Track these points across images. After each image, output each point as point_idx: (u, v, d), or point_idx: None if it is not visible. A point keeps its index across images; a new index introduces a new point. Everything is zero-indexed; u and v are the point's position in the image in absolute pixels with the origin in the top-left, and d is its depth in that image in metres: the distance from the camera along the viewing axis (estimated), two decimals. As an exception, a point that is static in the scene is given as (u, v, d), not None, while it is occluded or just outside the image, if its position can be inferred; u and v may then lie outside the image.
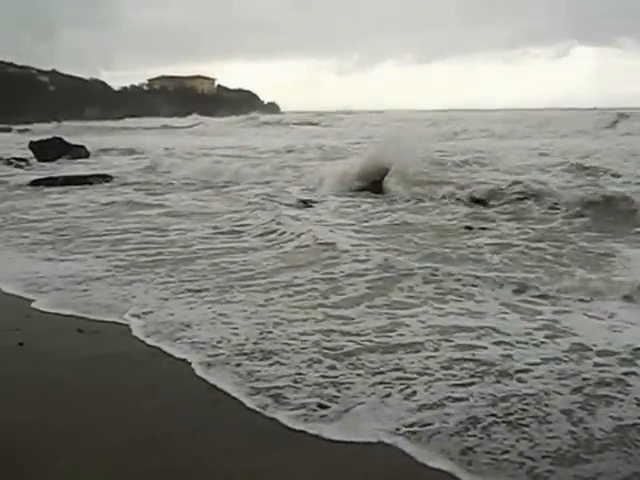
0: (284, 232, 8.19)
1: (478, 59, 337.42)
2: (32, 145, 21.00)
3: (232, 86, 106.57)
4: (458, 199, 10.44)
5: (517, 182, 10.62)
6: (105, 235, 8.58)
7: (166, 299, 5.68)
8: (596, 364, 4.08)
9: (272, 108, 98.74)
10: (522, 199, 9.93)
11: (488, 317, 4.97)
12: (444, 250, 7.23)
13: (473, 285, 5.74)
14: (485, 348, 4.38)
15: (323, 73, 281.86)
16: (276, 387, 3.90)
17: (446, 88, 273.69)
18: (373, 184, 12.00)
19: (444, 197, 10.63)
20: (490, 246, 7.41)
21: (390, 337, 4.63)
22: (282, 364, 4.23)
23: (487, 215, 9.51)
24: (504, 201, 10.01)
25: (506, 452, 3.14)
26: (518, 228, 8.45)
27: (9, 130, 42.84)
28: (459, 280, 5.85)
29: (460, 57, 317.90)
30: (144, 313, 5.29)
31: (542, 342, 4.48)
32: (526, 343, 4.46)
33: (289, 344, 4.54)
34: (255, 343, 4.58)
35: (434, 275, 6.01)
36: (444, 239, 7.91)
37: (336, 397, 3.75)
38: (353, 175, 12.33)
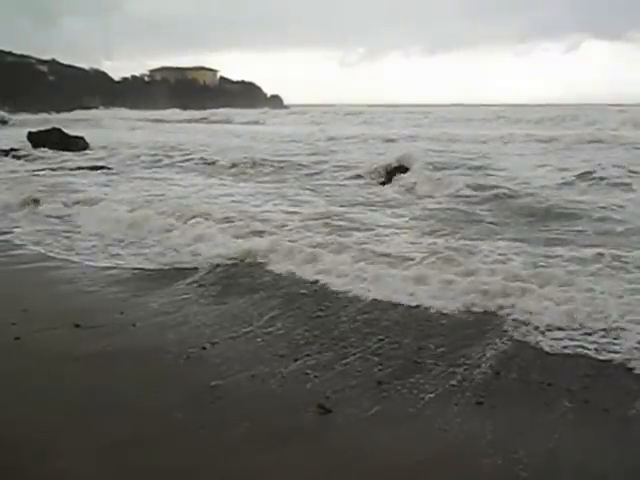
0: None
1: (486, 52, 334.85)
2: (30, 136, 20.86)
3: (235, 78, 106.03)
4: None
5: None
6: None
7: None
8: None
9: (275, 101, 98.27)
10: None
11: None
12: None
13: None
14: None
15: (328, 65, 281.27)
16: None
17: (452, 81, 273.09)
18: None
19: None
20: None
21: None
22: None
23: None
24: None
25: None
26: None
27: (6, 121, 42.60)
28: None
29: (468, 50, 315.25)
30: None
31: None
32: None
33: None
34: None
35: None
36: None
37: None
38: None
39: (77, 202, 10.18)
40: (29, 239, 8.00)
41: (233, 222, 8.33)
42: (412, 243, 7.26)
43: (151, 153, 18.86)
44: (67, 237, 8.13)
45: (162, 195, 11.09)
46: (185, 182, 13.46)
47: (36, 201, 10.35)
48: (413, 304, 5.30)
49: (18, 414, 3.59)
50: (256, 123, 45.64)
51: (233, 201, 10.57)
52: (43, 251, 7.41)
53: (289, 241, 7.14)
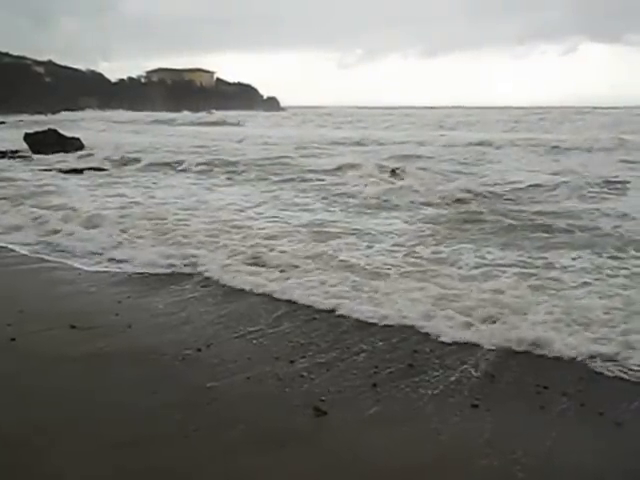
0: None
1: (484, 54, 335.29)
2: (27, 137, 20.77)
3: (232, 79, 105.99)
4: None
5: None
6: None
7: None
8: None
9: (271, 103, 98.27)
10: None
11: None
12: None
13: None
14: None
15: (326, 67, 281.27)
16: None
17: (450, 84, 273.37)
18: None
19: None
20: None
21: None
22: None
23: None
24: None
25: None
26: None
27: (2, 122, 42.48)
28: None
29: (466, 52, 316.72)
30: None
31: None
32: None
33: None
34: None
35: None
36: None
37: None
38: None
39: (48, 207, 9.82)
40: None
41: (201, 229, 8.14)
42: (397, 252, 7.12)
43: (144, 155, 18.59)
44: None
45: (137, 202, 10.72)
46: (172, 184, 13.29)
47: None
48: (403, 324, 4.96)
49: (13, 415, 3.58)
50: (245, 126, 45.31)
51: (214, 206, 10.35)
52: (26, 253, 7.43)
53: (270, 250, 7.00)
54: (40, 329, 4.87)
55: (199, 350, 4.46)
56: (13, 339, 4.64)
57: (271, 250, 7.03)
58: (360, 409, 3.64)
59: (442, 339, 4.65)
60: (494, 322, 4.87)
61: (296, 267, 6.40)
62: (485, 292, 5.47)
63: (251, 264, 6.58)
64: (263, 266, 6.52)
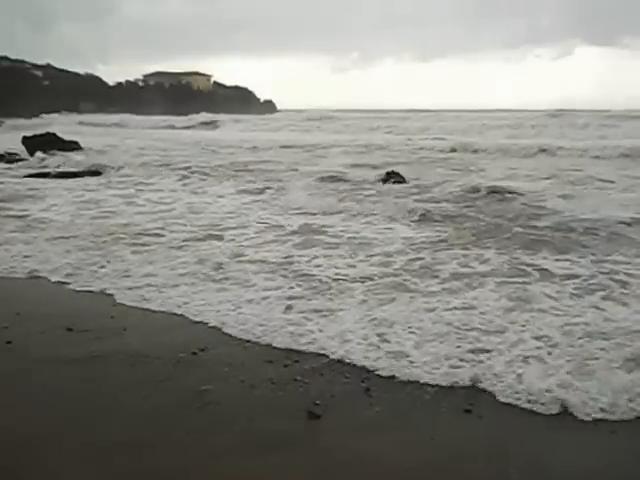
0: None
1: (479, 58, 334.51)
2: (25, 140, 20.75)
3: (229, 83, 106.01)
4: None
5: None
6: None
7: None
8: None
9: (268, 106, 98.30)
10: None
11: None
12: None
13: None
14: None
15: (322, 71, 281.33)
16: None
17: (446, 87, 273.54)
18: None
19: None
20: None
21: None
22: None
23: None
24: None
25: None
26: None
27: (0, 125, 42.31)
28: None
29: (461, 56, 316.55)
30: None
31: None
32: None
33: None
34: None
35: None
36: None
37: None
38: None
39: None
40: None
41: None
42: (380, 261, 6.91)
43: (141, 159, 18.45)
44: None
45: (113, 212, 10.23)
46: (156, 189, 13.01)
47: None
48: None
49: (9, 417, 3.61)
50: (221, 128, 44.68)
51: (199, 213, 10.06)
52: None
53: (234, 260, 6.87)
54: (36, 332, 4.89)
55: (194, 354, 4.48)
56: (9, 342, 4.66)
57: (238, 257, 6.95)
58: (354, 413, 3.66)
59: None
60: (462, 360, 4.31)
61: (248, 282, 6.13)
62: (458, 309, 5.22)
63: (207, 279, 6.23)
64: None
